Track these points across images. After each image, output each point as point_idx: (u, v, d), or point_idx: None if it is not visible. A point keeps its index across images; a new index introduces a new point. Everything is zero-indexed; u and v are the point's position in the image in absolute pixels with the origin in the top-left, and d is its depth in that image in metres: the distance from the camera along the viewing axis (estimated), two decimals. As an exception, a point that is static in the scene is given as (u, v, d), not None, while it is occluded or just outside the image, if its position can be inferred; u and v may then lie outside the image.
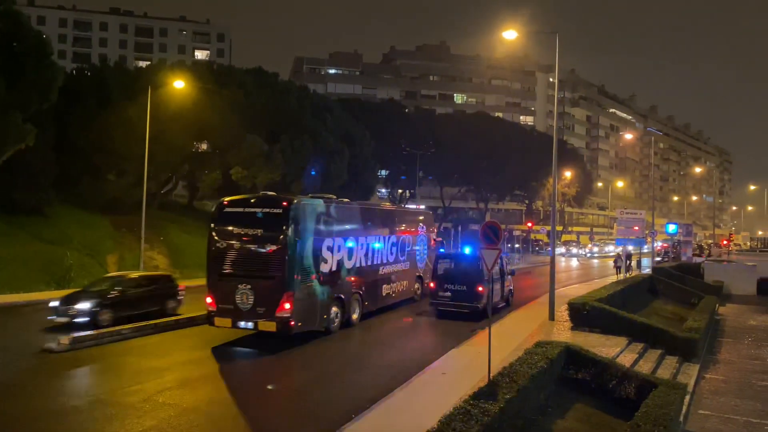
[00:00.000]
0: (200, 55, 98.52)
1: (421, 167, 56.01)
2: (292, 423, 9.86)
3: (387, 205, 26.52)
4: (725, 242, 60.80)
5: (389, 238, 20.85)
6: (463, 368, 12.86)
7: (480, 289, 18.71)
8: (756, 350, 19.82)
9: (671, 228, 47.06)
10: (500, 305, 21.30)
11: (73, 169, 31.38)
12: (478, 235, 12.27)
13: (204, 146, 38.99)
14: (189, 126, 32.23)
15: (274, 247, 14.87)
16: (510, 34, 19.58)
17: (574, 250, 71.04)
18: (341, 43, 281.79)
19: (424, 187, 69.02)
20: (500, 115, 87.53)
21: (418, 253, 23.47)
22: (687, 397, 12.08)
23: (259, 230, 15.10)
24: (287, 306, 14.58)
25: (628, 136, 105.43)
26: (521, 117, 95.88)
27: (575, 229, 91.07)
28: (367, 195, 54.12)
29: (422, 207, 28.77)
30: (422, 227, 24.20)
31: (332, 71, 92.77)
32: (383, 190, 74.92)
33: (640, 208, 51.11)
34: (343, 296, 17.30)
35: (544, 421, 10.09)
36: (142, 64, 55.54)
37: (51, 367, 12.73)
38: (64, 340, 14.03)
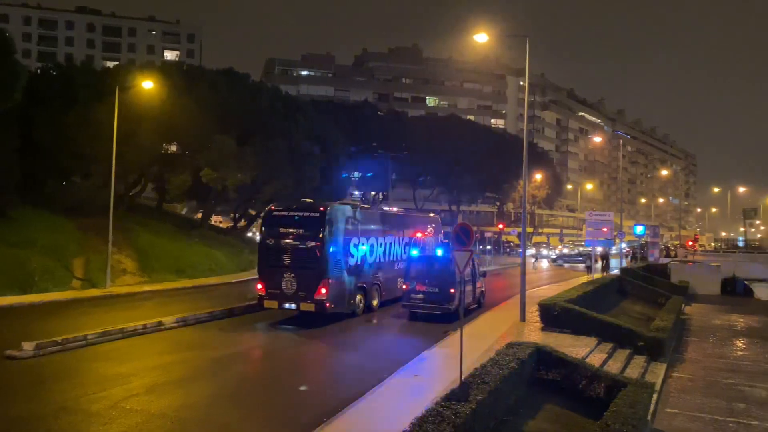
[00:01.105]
0: (170, 55, 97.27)
1: (393, 169, 56.16)
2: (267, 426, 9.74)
3: (401, 211, 29.62)
4: (691, 243, 62.19)
5: (404, 238, 23.71)
6: (435, 370, 12.86)
7: (452, 290, 18.81)
8: (720, 349, 20.27)
9: (639, 229, 47.89)
10: (472, 306, 21.41)
11: (38, 171, 30.60)
12: (450, 236, 12.36)
13: (173, 148, 38.44)
14: (158, 127, 31.72)
15: (313, 244, 18.18)
16: (481, 37, 19.71)
17: (545, 252, 71.88)
18: (313, 44, 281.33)
19: (397, 189, 69.17)
20: (472, 117, 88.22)
21: None
22: (655, 396, 12.26)
23: (300, 230, 18.49)
24: (323, 291, 17.89)
25: (597, 139, 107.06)
26: (492, 120, 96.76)
27: (545, 230, 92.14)
28: (339, 196, 53.86)
29: (432, 214, 31.23)
30: (431, 230, 27.00)
31: (304, 73, 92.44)
32: (356, 192, 74.84)
33: (608, 210, 51.86)
34: (365, 285, 20.46)
35: (515, 422, 10.14)
36: (110, 64, 54.49)
37: (13, 374, 12.36)
38: (28, 346, 13.64)
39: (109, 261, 25.40)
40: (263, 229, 19.68)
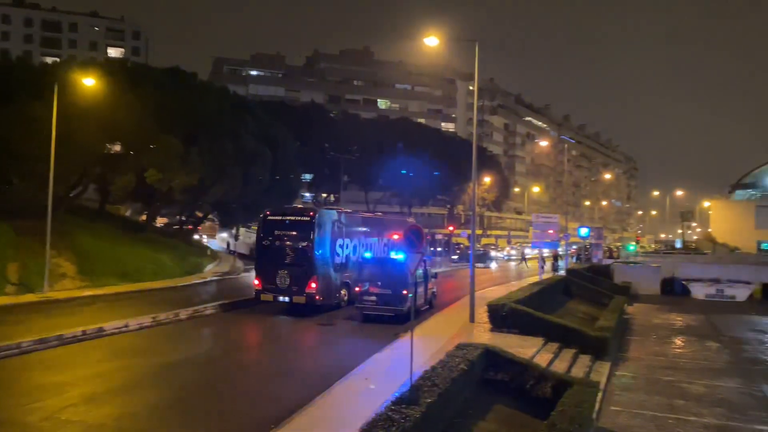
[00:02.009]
0: (113, 52, 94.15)
1: (345, 171, 55.93)
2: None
3: (380, 215, 32.39)
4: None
5: (383, 239, 25.96)
6: (385, 373, 12.80)
7: (405, 292, 18.95)
8: (660, 347, 20.95)
9: (583, 231, 49.08)
10: (424, 308, 21.62)
11: (-30, 172, 29.11)
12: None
13: (117, 148, 37.13)
14: (101, 126, 30.58)
15: (304, 244, 20.54)
16: (431, 40, 19.82)
17: (493, 253, 73.00)
18: (263, 45, 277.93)
19: (349, 191, 69.01)
20: (423, 121, 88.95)
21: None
22: (600, 395, 12.54)
23: (293, 232, 20.88)
24: (313, 285, 20.20)
25: (543, 143, 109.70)
26: (443, 123, 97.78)
27: (494, 232, 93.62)
28: (290, 199, 53.39)
29: (410, 219, 34.28)
30: None
31: (254, 73, 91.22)
32: (307, 194, 74.28)
33: (554, 213, 53.07)
34: (349, 281, 22.53)
35: (465, 424, 10.17)
36: (50, 60, 52.39)
37: (-61, 385, 11.65)
38: (-45, 355, 12.90)
39: (47, 265, 24.32)
40: (259, 231, 22.39)
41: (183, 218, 48.12)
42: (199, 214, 49.64)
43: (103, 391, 11.51)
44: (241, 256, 46.89)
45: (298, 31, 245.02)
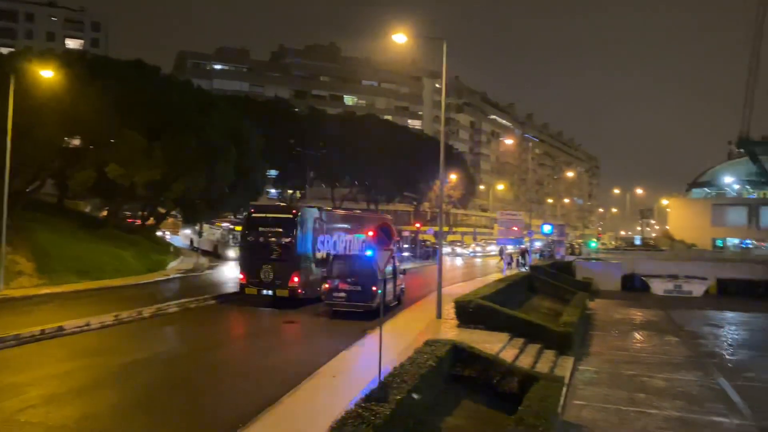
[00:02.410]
0: (72, 44, 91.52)
1: (311, 167, 55.60)
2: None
3: (359, 212, 33.67)
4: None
5: (361, 236, 26.66)
6: (354, 370, 12.79)
7: (374, 288, 18.96)
8: (622, 342, 21.46)
9: (546, 228, 49.93)
10: (393, 303, 21.71)
11: None
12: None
13: (76, 142, 36.14)
14: (59, 120, 29.70)
15: (287, 240, 21.38)
16: (400, 37, 19.85)
17: (459, 250, 73.61)
18: (227, 39, 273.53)
19: (315, 188, 68.69)
20: (390, 117, 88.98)
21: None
22: (564, 389, 12.77)
23: (277, 228, 21.65)
24: (296, 279, 21.01)
25: (508, 141, 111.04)
26: (409, 120, 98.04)
27: (460, 229, 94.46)
28: (255, 195, 52.76)
29: (388, 216, 35.47)
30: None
31: (218, 67, 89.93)
32: (272, 190, 73.57)
33: (518, 210, 53.74)
34: None
35: (433, 420, 10.23)
36: (5, 51, 50.61)
37: None
38: None
39: (3, 262, 23.56)
40: (244, 228, 23.35)
41: (145, 214, 47.16)
42: (162, 210, 48.67)
43: (63, 391, 11.21)
44: (205, 253, 46.15)
45: (264, 25, 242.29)
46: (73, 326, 16.60)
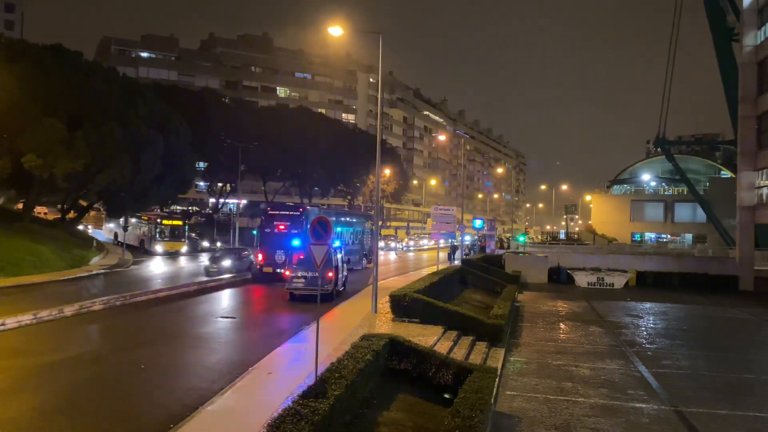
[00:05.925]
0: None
1: (242, 160, 54.41)
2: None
3: (350, 210, 42.28)
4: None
5: (351, 229, 33.82)
6: (291, 366, 12.63)
7: (330, 275, 22.51)
8: (549, 333, 22.14)
9: (477, 223, 50.94)
10: (340, 288, 24.93)
11: None
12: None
13: (-11, 129, 33.97)
14: (-31, 105, 27.88)
15: (295, 232, 27.30)
16: (336, 30, 19.68)
17: (393, 244, 74.19)
18: (155, 26, 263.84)
19: (247, 181, 67.34)
20: (323, 111, 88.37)
21: (365, 239, 39.60)
22: (497, 381, 13.06)
23: (288, 223, 29.01)
24: None
25: (441, 137, 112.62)
26: (344, 115, 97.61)
27: (393, 224, 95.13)
28: (184, 187, 51.27)
29: (373, 212, 40.28)
30: (369, 224, 38.95)
31: (145, 55, 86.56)
32: (201, 183, 71.67)
33: (450, 205, 54.57)
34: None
35: (370, 414, 10.24)
36: None
37: None
38: None
39: None
40: (262, 222, 30.82)
41: (66, 207, 44.90)
42: (84, 203, 46.51)
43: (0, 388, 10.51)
44: (131, 248, 44.33)
45: (193, 13, 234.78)
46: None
